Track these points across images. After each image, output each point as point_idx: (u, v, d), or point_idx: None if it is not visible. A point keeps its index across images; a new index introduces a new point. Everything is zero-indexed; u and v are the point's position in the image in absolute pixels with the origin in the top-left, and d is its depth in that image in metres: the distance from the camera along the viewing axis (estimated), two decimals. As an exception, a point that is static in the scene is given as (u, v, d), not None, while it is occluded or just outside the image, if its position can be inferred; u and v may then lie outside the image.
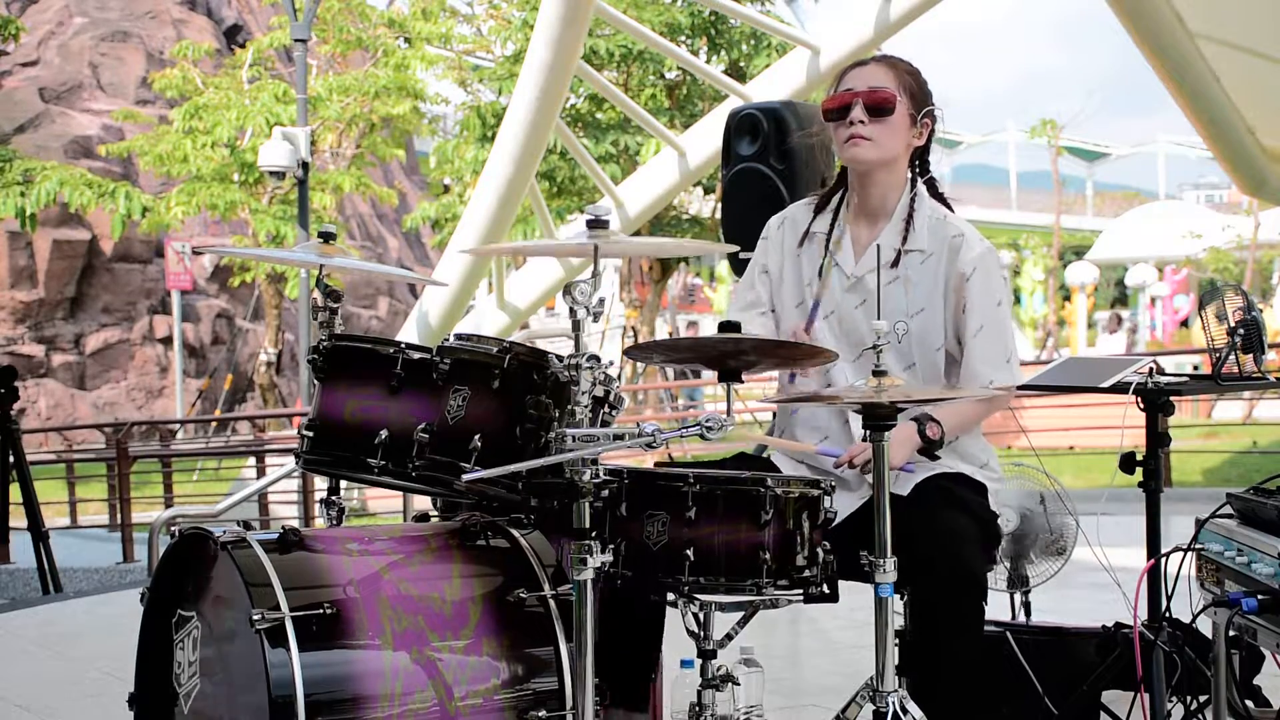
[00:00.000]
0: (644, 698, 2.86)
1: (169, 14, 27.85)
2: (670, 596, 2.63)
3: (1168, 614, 3.16)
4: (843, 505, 2.82)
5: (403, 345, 2.65)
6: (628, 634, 2.81)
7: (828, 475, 2.75)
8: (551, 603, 2.58)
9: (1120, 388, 3.20)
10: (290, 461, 9.69)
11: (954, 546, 2.71)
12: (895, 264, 2.97)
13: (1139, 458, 3.24)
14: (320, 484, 9.31)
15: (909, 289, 2.97)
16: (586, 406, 2.43)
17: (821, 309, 3.04)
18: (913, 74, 3.03)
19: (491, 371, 2.56)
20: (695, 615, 2.61)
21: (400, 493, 3.27)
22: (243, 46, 22.86)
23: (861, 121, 2.94)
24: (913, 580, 2.70)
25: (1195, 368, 13.14)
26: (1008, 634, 3.48)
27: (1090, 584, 3.74)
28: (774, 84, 9.85)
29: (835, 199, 3.12)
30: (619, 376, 2.67)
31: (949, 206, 3.11)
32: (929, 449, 2.81)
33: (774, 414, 3.48)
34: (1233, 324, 3.18)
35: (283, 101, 18.16)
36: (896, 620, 2.71)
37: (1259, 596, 2.70)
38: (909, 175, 3.05)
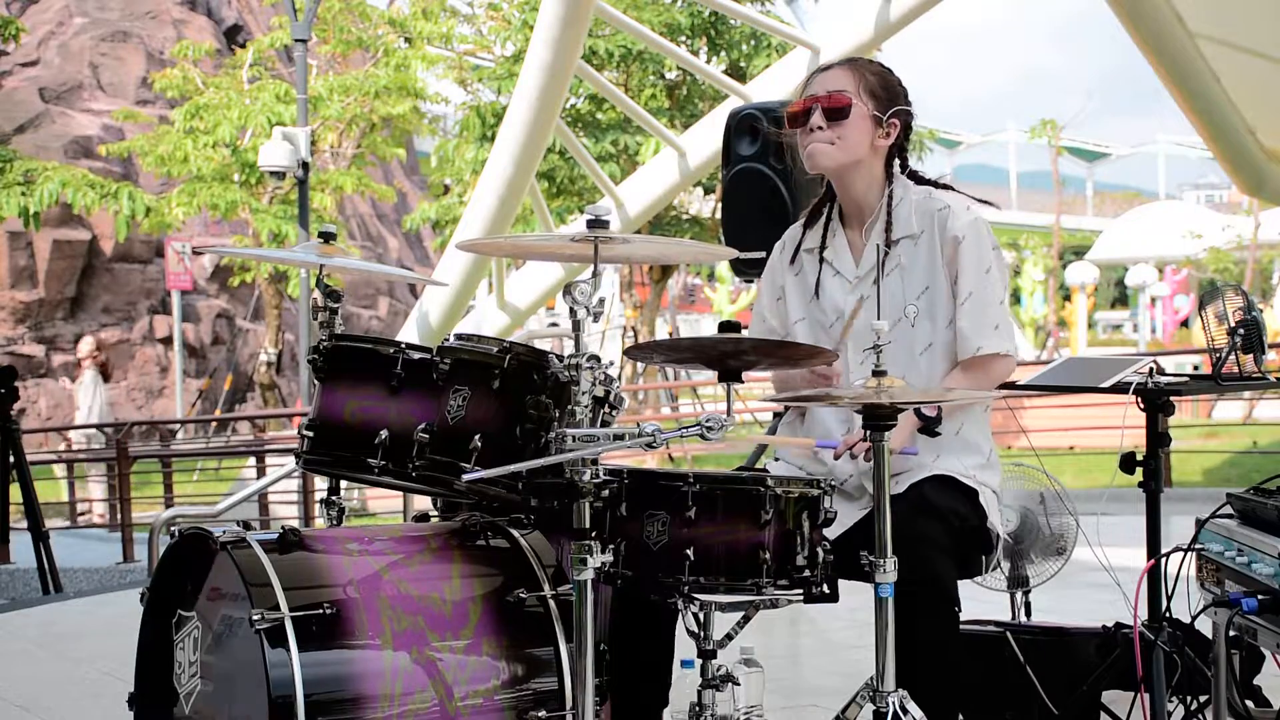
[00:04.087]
0: (660, 702, 2.85)
1: (169, 14, 27.83)
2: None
3: (1168, 614, 3.16)
4: (845, 516, 2.82)
5: (403, 345, 2.66)
6: (643, 638, 2.80)
7: (830, 477, 2.74)
8: (551, 603, 2.58)
9: (1120, 388, 3.20)
10: (290, 461, 9.69)
11: (922, 555, 2.69)
12: (881, 265, 2.97)
13: (1139, 458, 3.24)
14: (320, 484, 9.32)
15: (905, 276, 2.97)
16: (586, 406, 2.43)
17: (826, 319, 3.03)
18: (878, 74, 3.01)
19: (491, 371, 2.56)
20: (695, 615, 2.61)
21: (400, 493, 3.27)
22: (243, 46, 22.85)
23: (820, 127, 2.95)
24: None
25: (1195, 368, 13.14)
26: (1008, 634, 3.48)
27: (1090, 584, 3.74)
28: (774, 84, 9.86)
29: (825, 211, 3.13)
30: (619, 376, 2.67)
31: (941, 187, 3.09)
32: (928, 427, 2.81)
33: (775, 415, 3.48)
34: (1233, 324, 3.18)
35: (283, 101, 18.15)
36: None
37: (1259, 596, 2.70)
38: (886, 174, 3.04)
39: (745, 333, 3.16)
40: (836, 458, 2.85)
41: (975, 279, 2.94)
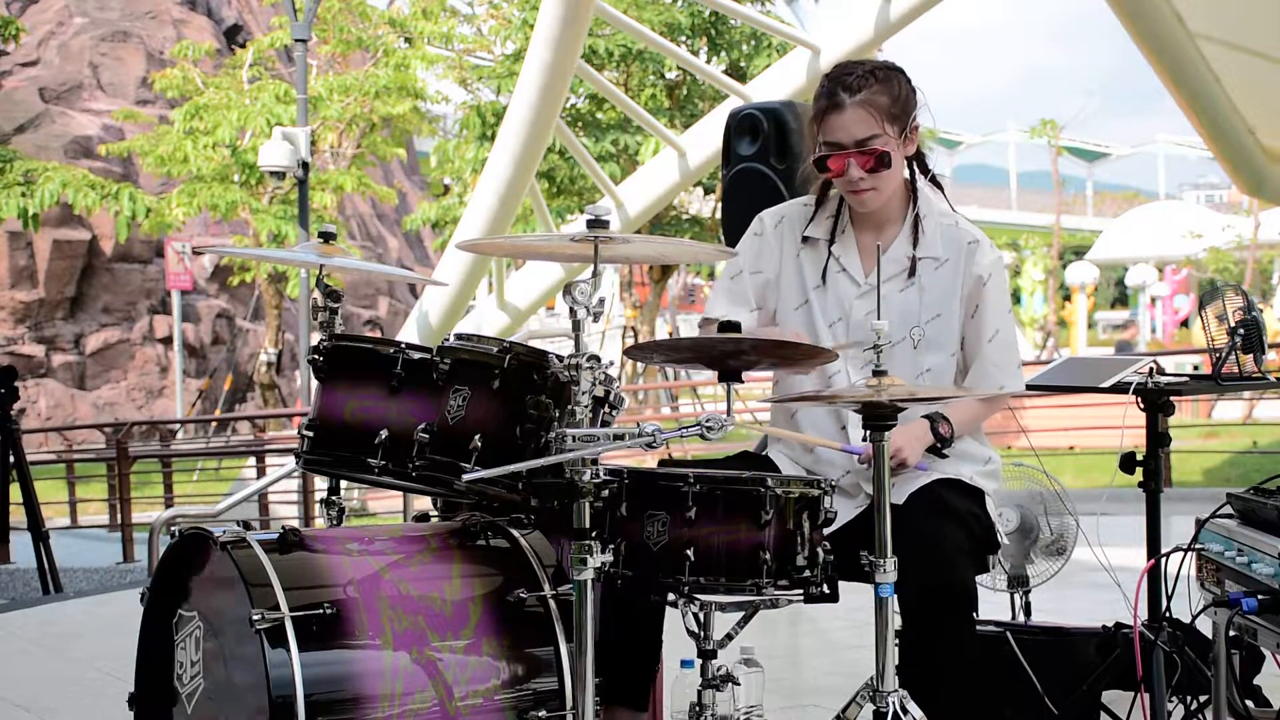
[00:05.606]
0: (645, 697, 2.86)
1: (169, 14, 27.84)
2: (670, 596, 2.62)
3: (1168, 614, 3.16)
4: (841, 513, 2.82)
5: (403, 345, 2.65)
6: (628, 635, 2.80)
7: (827, 478, 2.74)
8: (551, 603, 2.57)
9: (1120, 388, 3.21)
10: (290, 461, 9.69)
11: (944, 559, 2.70)
12: (912, 273, 2.96)
13: (1139, 458, 3.24)
14: (320, 484, 9.32)
15: (923, 296, 2.96)
16: (586, 406, 2.42)
17: (829, 315, 3.01)
18: (888, 94, 2.92)
19: (491, 371, 2.55)
20: (695, 615, 2.61)
21: (400, 493, 3.27)
22: (243, 46, 22.87)
23: (861, 178, 2.90)
24: (902, 589, 2.68)
25: (1195, 368, 13.14)
26: (1008, 634, 3.48)
27: (1090, 584, 3.74)
28: (774, 84, 9.87)
29: (834, 200, 3.07)
30: (619, 376, 2.67)
31: (949, 203, 3.09)
32: (940, 446, 2.82)
33: (771, 414, 3.46)
34: (1233, 324, 3.18)
35: (283, 101, 18.17)
36: (896, 620, 2.71)
37: (1259, 596, 2.70)
38: (906, 176, 3.03)
39: (712, 299, 3.15)
40: (862, 463, 2.85)
41: (1000, 318, 2.97)
